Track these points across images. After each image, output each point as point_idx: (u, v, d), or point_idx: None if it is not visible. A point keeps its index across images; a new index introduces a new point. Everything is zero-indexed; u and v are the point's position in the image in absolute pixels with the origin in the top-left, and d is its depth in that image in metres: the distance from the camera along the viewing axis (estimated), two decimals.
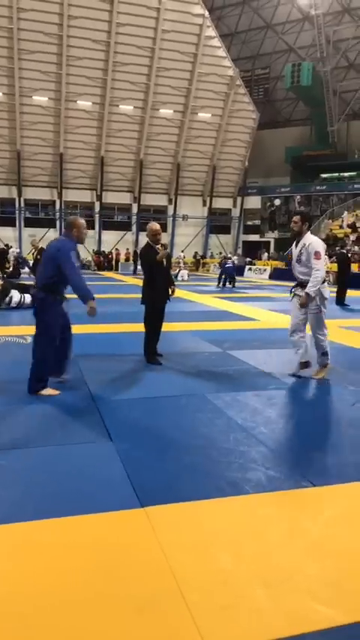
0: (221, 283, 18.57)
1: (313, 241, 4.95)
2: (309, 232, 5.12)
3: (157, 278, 5.81)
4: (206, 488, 2.81)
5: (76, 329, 7.83)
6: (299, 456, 3.34)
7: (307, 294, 4.86)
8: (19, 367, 4.90)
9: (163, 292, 5.92)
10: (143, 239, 26.81)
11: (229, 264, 19.20)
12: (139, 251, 23.02)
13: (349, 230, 28.00)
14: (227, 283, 18.59)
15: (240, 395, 4.58)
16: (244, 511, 2.62)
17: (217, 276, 19.51)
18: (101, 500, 2.64)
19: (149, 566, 2.12)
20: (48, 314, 4.42)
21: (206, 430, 3.71)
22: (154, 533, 2.36)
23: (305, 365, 5.18)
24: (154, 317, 5.89)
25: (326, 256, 22.61)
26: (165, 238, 35.59)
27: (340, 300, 12.49)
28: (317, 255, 4.85)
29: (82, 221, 4.56)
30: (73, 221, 4.52)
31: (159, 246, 5.86)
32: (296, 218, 5.09)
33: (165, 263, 5.86)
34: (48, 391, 4.45)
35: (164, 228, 36.20)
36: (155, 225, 5.82)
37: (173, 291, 6.06)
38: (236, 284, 19.11)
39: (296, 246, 5.12)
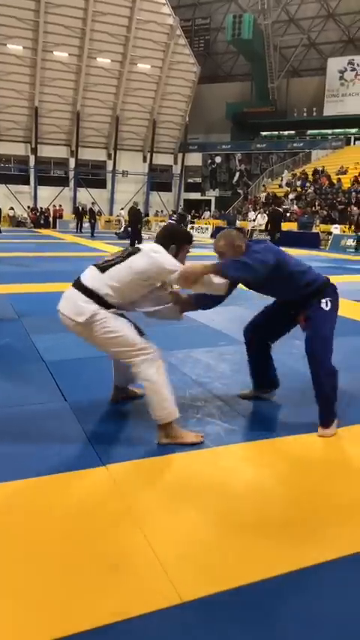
0: None
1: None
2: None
3: None
4: (166, 444, 2.81)
5: (10, 289, 7.57)
6: (254, 409, 3.41)
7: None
8: None
9: None
10: (82, 195, 26.04)
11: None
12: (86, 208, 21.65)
13: (288, 189, 28.34)
14: None
15: (193, 352, 4.60)
16: (206, 465, 2.65)
17: None
18: (62, 460, 2.59)
19: (117, 524, 2.11)
20: None
21: None
22: (119, 491, 2.35)
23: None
24: None
25: (259, 214, 22.80)
26: (104, 195, 34.79)
27: None
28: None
29: None
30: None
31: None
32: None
33: None
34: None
35: (104, 184, 35.41)
36: None
37: None
38: None
39: None
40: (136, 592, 1.73)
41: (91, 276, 2.84)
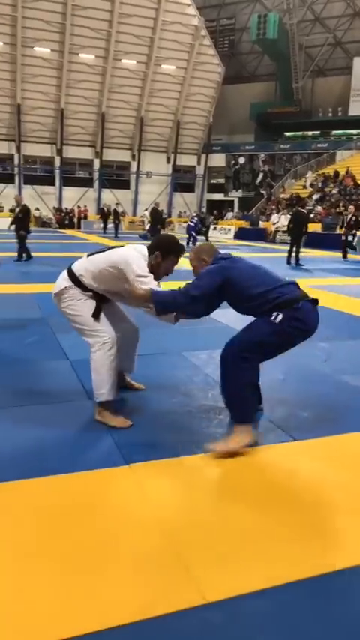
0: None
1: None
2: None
3: None
4: (189, 445, 2.81)
5: (37, 288, 7.67)
6: (277, 412, 3.39)
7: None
8: None
9: None
10: (106, 196, 26.16)
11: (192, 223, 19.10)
12: (110, 209, 21.53)
13: (312, 189, 28.05)
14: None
15: (215, 353, 4.53)
16: (229, 466, 2.65)
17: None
18: (86, 459, 2.62)
19: (140, 523, 2.12)
20: None
21: (185, 388, 3.71)
22: (142, 490, 2.36)
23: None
24: None
25: (282, 215, 22.51)
26: (128, 196, 34.97)
27: (296, 259, 12.67)
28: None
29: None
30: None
31: None
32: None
33: None
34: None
35: (127, 185, 35.59)
36: None
37: None
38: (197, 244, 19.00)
39: None
40: (160, 591, 1.74)
41: (79, 261, 3.17)
